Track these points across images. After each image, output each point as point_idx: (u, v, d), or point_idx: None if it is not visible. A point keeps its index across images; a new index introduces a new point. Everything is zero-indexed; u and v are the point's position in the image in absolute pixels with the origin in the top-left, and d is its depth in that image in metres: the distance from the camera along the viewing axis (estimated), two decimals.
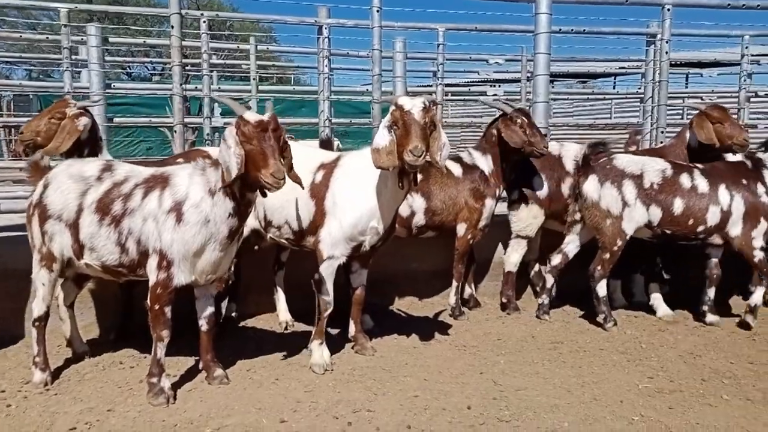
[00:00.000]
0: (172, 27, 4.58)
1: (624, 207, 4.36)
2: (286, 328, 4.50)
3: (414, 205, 4.54)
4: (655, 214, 4.38)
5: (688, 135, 4.82)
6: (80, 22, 9.02)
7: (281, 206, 3.80)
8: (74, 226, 3.32)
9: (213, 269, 3.29)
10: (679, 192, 4.38)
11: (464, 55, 8.17)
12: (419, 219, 4.58)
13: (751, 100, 9.02)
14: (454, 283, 4.72)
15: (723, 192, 4.39)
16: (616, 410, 3.19)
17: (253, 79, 7.54)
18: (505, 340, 4.27)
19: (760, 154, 4.59)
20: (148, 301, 3.22)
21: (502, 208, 4.97)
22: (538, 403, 3.26)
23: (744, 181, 4.44)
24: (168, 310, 3.21)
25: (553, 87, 17.78)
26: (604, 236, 4.42)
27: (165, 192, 3.18)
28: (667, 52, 5.43)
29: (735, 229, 4.41)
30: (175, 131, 4.83)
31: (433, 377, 3.60)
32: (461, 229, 4.65)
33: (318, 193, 3.72)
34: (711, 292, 4.60)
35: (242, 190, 3.11)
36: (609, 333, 4.39)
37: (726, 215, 4.39)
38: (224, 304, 4.47)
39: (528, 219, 4.85)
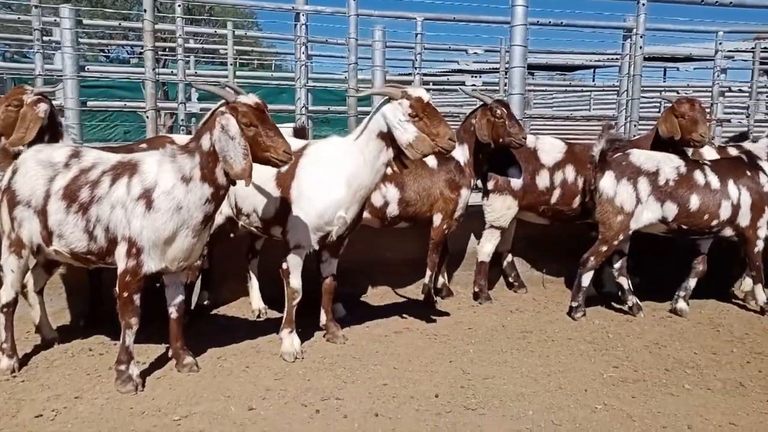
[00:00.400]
0: (145, 11, 4.51)
1: (637, 204, 4.40)
2: (258, 316, 4.50)
3: (387, 195, 4.55)
4: (671, 210, 4.44)
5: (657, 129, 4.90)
6: (56, 3, 8.84)
7: (249, 194, 3.78)
8: (42, 213, 3.29)
9: (185, 256, 3.27)
10: (695, 188, 4.47)
11: (443, 45, 8.15)
12: (393, 209, 4.59)
13: (726, 95, 9.20)
14: (428, 273, 4.76)
15: (732, 186, 4.53)
16: (580, 399, 3.25)
17: (231, 64, 7.44)
18: (476, 329, 4.32)
19: (748, 146, 4.77)
20: (117, 288, 3.20)
21: (476, 198, 5.01)
22: (504, 391, 3.32)
23: (748, 173, 4.60)
24: (137, 297, 3.20)
25: (533, 78, 17.97)
26: (609, 231, 4.44)
27: (133, 179, 3.15)
28: (641, 47, 5.49)
29: (744, 220, 4.55)
30: (147, 117, 4.77)
31: (403, 366, 3.64)
32: (437, 219, 4.68)
33: (284, 182, 3.72)
34: (692, 283, 4.75)
35: (229, 176, 3.11)
36: (578, 323, 4.46)
37: (737, 208, 4.52)
38: (197, 292, 4.46)
39: (502, 210, 4.88)
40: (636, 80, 5.58)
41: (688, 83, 9.39)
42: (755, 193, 4.54)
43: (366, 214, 4.21)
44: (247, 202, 3.87)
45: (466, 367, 3.63)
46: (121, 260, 3.17)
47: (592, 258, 4.49)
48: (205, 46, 11.42)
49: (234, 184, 3.24)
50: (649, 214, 4.43)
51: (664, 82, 13.75)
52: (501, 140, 4.56)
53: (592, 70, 17.37)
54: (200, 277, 4.41)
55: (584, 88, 13.66)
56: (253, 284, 4.59)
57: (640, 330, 4.35)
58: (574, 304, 4.55)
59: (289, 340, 3.77)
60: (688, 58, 10.17)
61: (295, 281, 3.75)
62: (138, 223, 3.09)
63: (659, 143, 4.81)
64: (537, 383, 3.44)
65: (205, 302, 4.55)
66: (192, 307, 4.37)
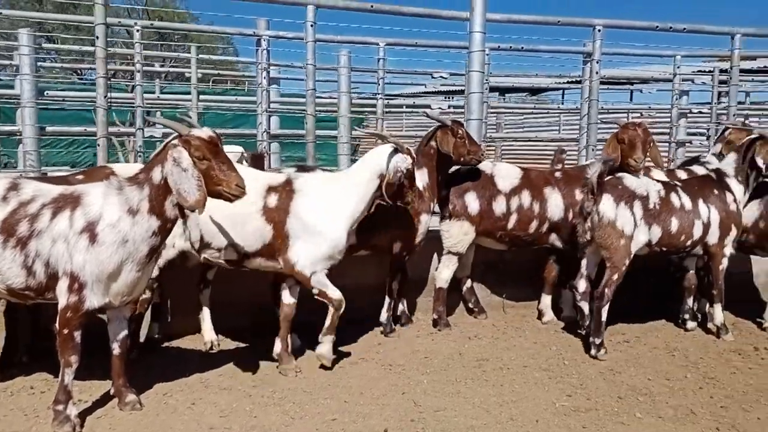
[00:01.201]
0: (97, 37, 4.45)
1: (635, 227, 4.37)
2: (211, 348, 4.40)
3: None
4: (656, 233, 4.45)
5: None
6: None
7: (225, 229, 3.79)
8: None
9: (129, 290, 3.21)
10: (674, 211, 4.50)
11: (408, 69, 8.22)
12: (352, 239, 4.54)
13: (688, 116, 9.37)
14: (387, 300, 4.71)
15: (702, 205, 4.58)
16: (530, 430, 3.22)
17: (194, 88, 7.41)
18: (432, 357, 4.27)
19: (720, 165, 4.81)
20: (57, 324, 3.10)
21: (436, 223, 4.99)
22: (455, 424, 3.27)
23: (716, 191, 4.66)
24: (78, 334, 3.10)
25: (505, 100, 18.19)
26: (616, 255, 4.31)
27: (76, 212, 3.08)
28: (597, 72, 5.56)
29: (713, 238, 4.61)
30: (98, 145, 4.69)
31: (354, 399, 3.57)
32: (396, 246, 4.65)
33: (275, 217, 3.81)
34: (689, 302, 4.94)
35: (181, 208, 3.11)
36: (534, 350, 4.44)
37: (707, 227, 4.58)
38: (147, 324, 4.36)
39: (459, 235, 4.86)
40: (593, 104, 5.64)
41: (650, 105, 9.55)
42: (723, 211, 4.61)
43: None
44: (219, 237, 3.83)
45: (419, 399, 3.58)
46: (62, 296, 3.08)
47: (606, 289, 4.32)
48: (173, 69, 11.34)
49: (183, 216, 3.21)
50: (642, 237, 4.41)
51: (631, 102, 14.00)
52: (462, 159, 4.65)
53: (561, 92, 17.70)
54: (150, 309, 4.31)
55: (550, 111, 13.77)
56: (205, 315, 4.50)
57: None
58: (597, 341, 4.30)
59: (329, 345, 3.98)
60: (653, 80, 10.35)
61: (335, 292, 3.91)
62: (81, 257, 3.02)
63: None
64: (489, 414, 3.40)
65: (156, 335, 4.43)
66: (142, 340, 4.28)
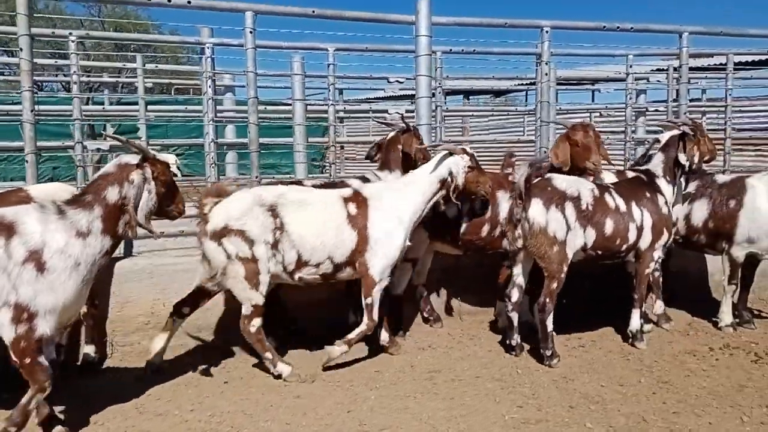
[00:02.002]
0: (21, 49, 4.23)
1: (567, 231, 4.16)
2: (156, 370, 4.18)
3: None
4: (591, 236, 4.27)
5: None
6: None
7: (321, 244, 3.94)
8: None
9: (76, 311, 3.26)
10: (609, 212, 4.32)
11: (364, 75, 8.09)
12: None
13: (647, 114, 9.42)
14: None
15: (635, 209, 4.41)
16: None
17: (141, 98, 7.19)
18: (383, 371, 4.13)
19: (649, 166, 4.68)
20: (15, 358, 2.93)
21: None
22: None
23: (648, 194, 4.51)
24: (42, 358, 2.96)
25: (469, 102, 18.20)
26: (552, 264, 4.12)
27: (12, 241, 2.90)
28: (546, 74, 5.50)
29: (645, 242, 4.45)
30: (27, 161, 4.46)
31: (297, 420, 3.41)
32: None
33: (359, 225, 4.02)
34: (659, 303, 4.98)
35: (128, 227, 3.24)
36: (488, 359, 4.33)
37: (640, 231, 4.42)
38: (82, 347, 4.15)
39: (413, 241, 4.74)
40: (544, 106, 5.58)
41: (606, 105, 9.59)
42: (655, 213, 4.47)
43: None
44: (318, 252, 3.95)
45: (365, 417, 3.44)
46: (5, 328, 2.90)
47: (547, 300, 4.16)
48: (124, 80, 11.07)
49: (127, 236, 3.32)
50: (577, 240, 4.23)
51: (593, 102, 14.09)
52: (418, 162, 4.64)
53: (524, 93, 17.74)
54: (86, 331, 4.11)
55: (510, 113, 13.77)
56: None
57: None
58: (548, 353, 4.17)
59: (340, 350, 4.08)
60: (610, 80, 10.40)
61: (376, 315, 4.09)
62: (29, 288, 2.89)
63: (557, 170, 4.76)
64: (435, 431, 3.27)
65: (94, 358, 4.22)
66: (79, 363, 4.08)
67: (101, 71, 12.20)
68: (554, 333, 4.30)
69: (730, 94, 6.81)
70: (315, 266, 3.97)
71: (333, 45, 6.16)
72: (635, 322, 4.56)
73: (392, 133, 4.85)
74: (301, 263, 3.93)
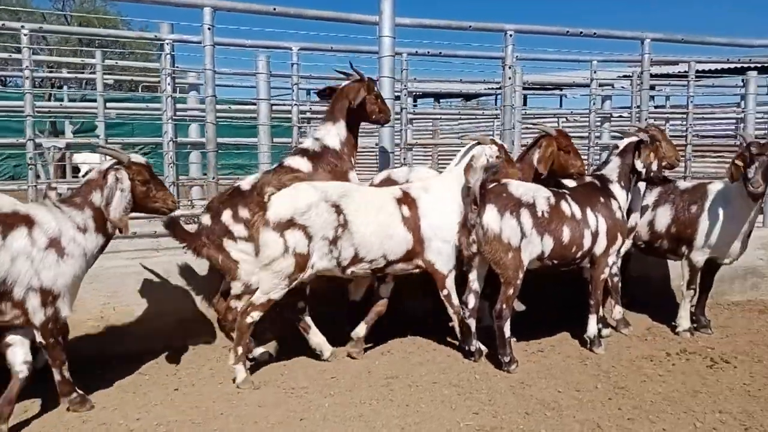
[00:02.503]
0: None
1: (522, 238, 4.10)
2: None
3: None
4: (548, 244, 4.22)
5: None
6: None
7: (379, 242, 4.08)
8: None
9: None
10: (565, 220, 4.28)
11: (332, 75, 7.98)
12: None
13: (612, 120, 9.52)
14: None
15: (590, 214, 4.38)
16: None
17: (100, 95, 6.99)
18: (339, 377, 4.05)
19: (603, 171, 4.69)
20: (42, 338, 3.33)
21: None
22: None
23: (602, 200, 4.50)
24: (60, 338, 3.44)
25: (439, 105, 18.23)
26: (507, 270, 4.07)
27: (34, 230, 3.24)
28: (510, 78, 5.48)
29: (600, 248, 4.43)
30: None
31: (246, 429, 3.31)
32: None
33: (411, 224, 4.18)
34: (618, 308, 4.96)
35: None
36: (446, 364, 4.28)
37: (595, 237, 4.40)
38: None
39: None
40: (507, 110, 5.57)
41: (572, 110, 9.66)
42: (609, 219, 4.46)
43: None
44: (375, 249, 4.08)
45: (317, 426, 3.35)
46: (37, 312, 3.27)
47: (504, 306, 4.10)
48: (83, 76, 10.79)
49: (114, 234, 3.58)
50: (533, 248, 4.17)
51: (561, 107, 14.24)
52: (373, 117, 4.57)
53: (494, 97, 17.85)
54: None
55: (477, 117, 13.81)
56: None
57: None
58: (506, 359, 4.11)
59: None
60: (576, 86, 10.48)
61: (456, 299, 4.33)
62: (51, 272, 3.25)
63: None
64: None
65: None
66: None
67: (62, 67, 11.89)
68: (514, 338, 4.29)
69: (691, 101, 6.89)
70: (369, 262, 4.11)
71: (297, 44, 6.06)
72: (592, 327, 4.55)
73: (344, 83, 4.59)
74: (356, 260, 4.07)
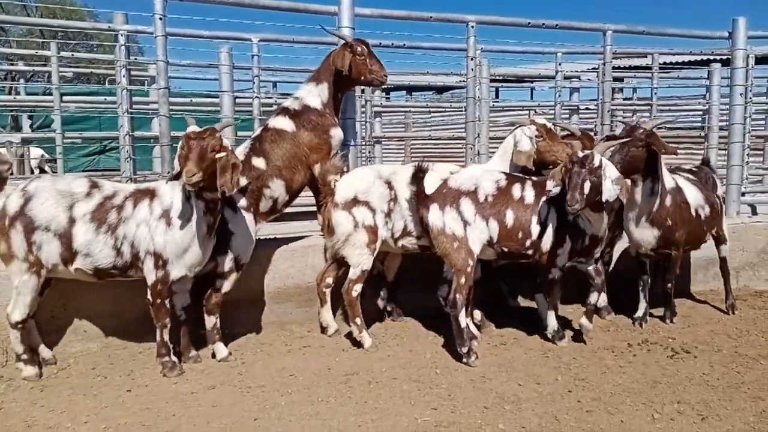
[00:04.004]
0: None
1: (466, 226, 4.13)
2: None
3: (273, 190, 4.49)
4: (494, 228, 4.18)
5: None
6: None
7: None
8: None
9: (199, 262, 3.92)
10: (511, 203, 4.21)
11: (297, 67, 7.88)
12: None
13: (579, 111, 9.55)
14: None
15: (543, 205, 4.22)
16: None
17: (56, 88, 6.78)
18: (298, 375, 3.96)
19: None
20: (150, 297, 3.85)
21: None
22: None
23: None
24: (167, 302, 3.88)
25: (412, 98, 18.17)
26: (457, 261, 4.13)
27: (154, 201, 3.82)
28: (473, 69, 5.43)
29: (546, 242, 4.28)
30: None
31: (199, 430, 3.22)
32: (317, 169, 4.53)
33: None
34: (593, 298, 4.62)
35: (201, 191, 3.72)
36: (407, 359, 4.23)
37: (545, 228, 4.24)
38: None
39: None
40: (470, 102, 5.52)
41: (539, 102, 9.66)
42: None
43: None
44: (419, 226, 4.38)
45: (272, 425, 3.28)
46: (150, 273, 3.81)
47: (457, 295, 4.09)
48: (38, 69, 10.51)
49: (221, 197, 3.82)
50: (480, 234, 4.17)
51: (532, 100, 14.26)
52: (363, 78, 4.55)
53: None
54: None
55: (445, 110, 13.79)
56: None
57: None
58: (463, 350, 4.09)
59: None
60: (541, 78, 10.51)
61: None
62: (161, 238, 3.76)
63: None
64: None
65: None
66: None
67: (20, 59, 11.57)
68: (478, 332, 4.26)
69: (656, 93, 6.93)
70: (416, 238, 4.49)
71: (257, 35, 5.93)
72: (551, 322, 4.53)
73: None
74: (405, 232, 4.50)
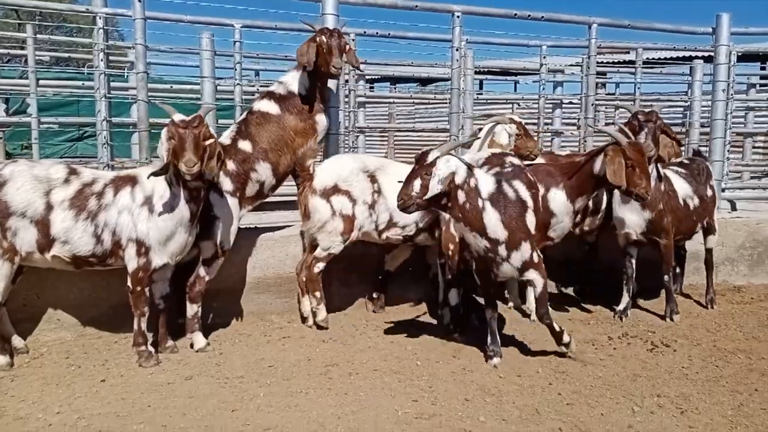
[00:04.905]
0: None
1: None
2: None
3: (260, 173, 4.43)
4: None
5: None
6: None
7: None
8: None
9: (181, 250, 3.88)
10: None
11: (279, 55, 7.75)
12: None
13: (562, 106, 9.54)
14: None
15: None
16: None
17: (32, 72, 6.61)
18: (277, 366, 3.91)
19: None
20: (130, 284, 3.79)
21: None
22: None
23: None
24: (147, 290, 3.84)
25: (396, 90, 18.07)
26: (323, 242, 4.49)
27: (135, 188, 3.75)
28: (458, 60, 5.38)
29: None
30: None
31: (174, 422, 3.16)
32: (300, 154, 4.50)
33: None
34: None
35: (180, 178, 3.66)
36: (389, 350, 4.19)
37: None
38: None
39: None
40: (455, 94, 5.47)
41: (522, 96, 9.66)
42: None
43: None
44: (406, 218, 4.42)
45: (251, 417, 3.22)
46: (131, 260, 3.76)
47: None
48: (14, 52, 10.27)
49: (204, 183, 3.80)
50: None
51: (516, 92, 14.26)
52: (322, 68, 4.40)
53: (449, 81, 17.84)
54: None
55: (431, 101, 13.74)
56: None
57: (451, 353, 4.15)
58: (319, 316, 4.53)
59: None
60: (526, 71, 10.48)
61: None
62: (144, 225, 3.72)
63: None
64: (324, 429, 3.11)
65: None
66: None
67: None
68: None
69: (639, 89, 6.94)
70: (401, 228, 4.54)
71: (239, 21, 5.82)
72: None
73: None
74: (390, 224, 4.52)
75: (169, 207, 3.70)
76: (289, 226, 5.00)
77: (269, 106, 4.46)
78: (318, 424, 3.15)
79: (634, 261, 5.01)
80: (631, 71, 9.27)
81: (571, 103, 8.96)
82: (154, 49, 7.14)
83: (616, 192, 4.61)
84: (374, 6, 5.16)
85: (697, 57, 8.37)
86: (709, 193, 5.29)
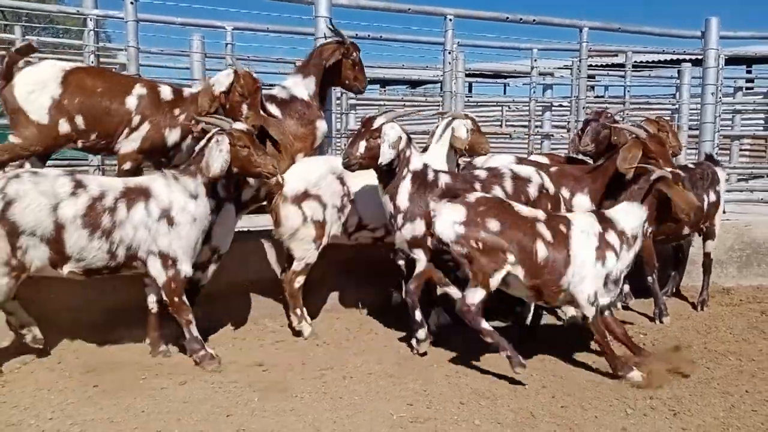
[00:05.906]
0: None
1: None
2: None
3: None
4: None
5: None
6: None
7: (380, 211, 4.23)
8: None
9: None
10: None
11: (271, 57, 7.75)
12: None
13: (552, 108, 9.61)
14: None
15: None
16: None
17: None
18: (271, 370, 3.90)
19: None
20: (166, 297, 3.82)
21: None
22: None
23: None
24: (185, 297, 3.85)
25: (386, 92, 18.11)
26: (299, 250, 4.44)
27: (150, 202, 3.71)
28: (450, 63, 5.40)
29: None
30: None
31: (168, 427, 3.14)
32: (299, 157, 4.54)
33: None
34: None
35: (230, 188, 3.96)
36: (383, 354, 4.20)
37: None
38: None
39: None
40: (447, 96, 5.50)
41: (513, 99, 9.71)
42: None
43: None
44: (376, 220, 4.43)
45: (245, 422, 3.21)
46: (161, 273, 3.77)
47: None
48: (1, 53, 10.11)
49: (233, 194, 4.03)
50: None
51: (505, 95, 14.34)
52: (347, 82, 4.66)
53: (440, 84, 17.90)
54: None
55: (422, 103, 13.75)
56: None
57: (445, 357, 4.16)
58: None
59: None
60: (517, 74, 10.55)
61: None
62: (165, 239, 3.73)
63: None
64: None
65: None
66: None
67: None
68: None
69: (628, 92, 7.00)
70: (371, 230, 4.49)
71: (231, 23, 5.82)
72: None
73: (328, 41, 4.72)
74: (360, 226, 4.46)
75: (194, 217, 3.76)
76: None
77: (271, 109, 4.46)
78: (313, 429, 3.15)
79: None
80: (621, 74, 9.39)
81: (561, 105, 9.03)
82: (146, 51, 7.09)
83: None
84: (367, 9, 5.18)
85: (684, 60, 8.44)
86: (712, 198, 5.28)
